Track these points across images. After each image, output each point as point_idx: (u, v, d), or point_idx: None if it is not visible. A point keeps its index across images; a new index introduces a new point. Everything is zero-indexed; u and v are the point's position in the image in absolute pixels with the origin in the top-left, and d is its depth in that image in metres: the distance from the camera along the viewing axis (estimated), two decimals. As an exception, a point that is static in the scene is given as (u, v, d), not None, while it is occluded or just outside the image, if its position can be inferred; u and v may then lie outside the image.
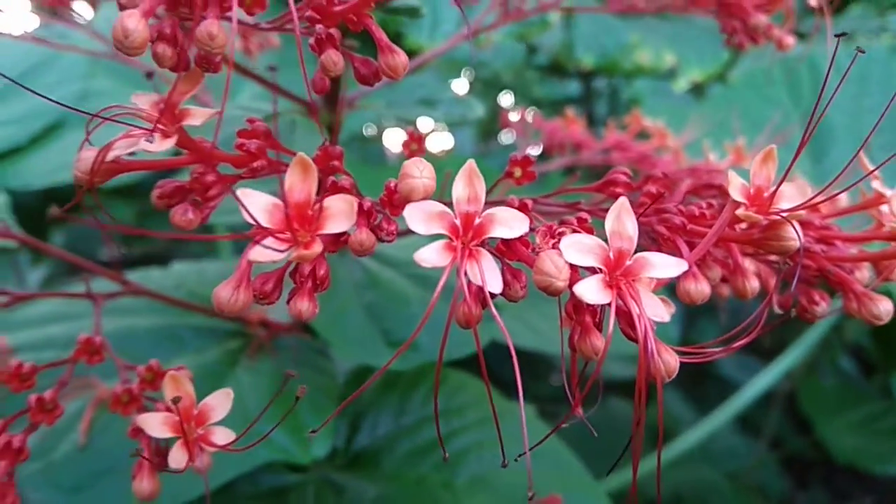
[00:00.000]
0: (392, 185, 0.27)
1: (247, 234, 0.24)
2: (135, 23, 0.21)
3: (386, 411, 0.64)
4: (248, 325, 0.57)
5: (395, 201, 0.26)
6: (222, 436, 0.27)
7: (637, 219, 0.27)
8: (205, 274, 0.62)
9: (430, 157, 0.30)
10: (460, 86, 1.61)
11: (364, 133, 1.27)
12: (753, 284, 0.30)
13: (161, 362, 0.38)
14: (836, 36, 0.27)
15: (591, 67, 1.16)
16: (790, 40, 0.51)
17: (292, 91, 0.48)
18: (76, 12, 0.69)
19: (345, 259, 0.55)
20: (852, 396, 1.29)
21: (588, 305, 0.24)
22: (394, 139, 1.37)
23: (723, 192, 0.41)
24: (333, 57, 0.26)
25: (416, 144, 0.36)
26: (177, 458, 0.27)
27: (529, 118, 0.76)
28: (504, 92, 1.77)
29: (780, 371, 0.93)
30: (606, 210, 0.33)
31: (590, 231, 0.26)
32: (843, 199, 0.43)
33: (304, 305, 0.24)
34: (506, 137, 1.81)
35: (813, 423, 1.17)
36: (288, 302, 0.26)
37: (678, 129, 0.89)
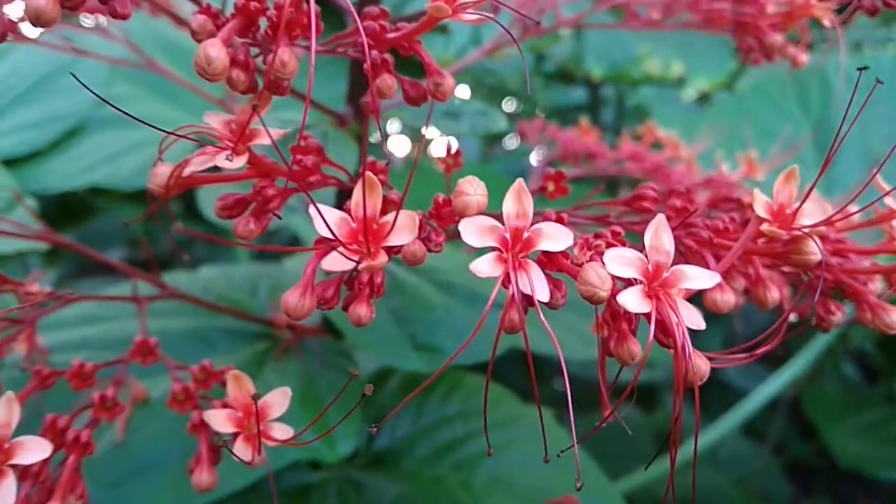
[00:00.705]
0: (440, 199, 0.29)
1: (311, 248, 0.26)
2: (216, 51, 0.24)
3: (405, 413, 0.67)
4: (274, 327, 0.60)
5: (443, 214, 0.29)
6: (281, 431, 0.30)
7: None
8: (232, 278, 0.64)
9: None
10: (463, 92, 1.63)
11: (370, 140, 1.30)
12: (774, 295, 0.32)
13: (193, 363, 0.40)
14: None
15: (601, 77, 1.18)
16: (804, 58, 0.53)
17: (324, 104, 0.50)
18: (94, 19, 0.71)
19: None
20: (856, 403, 1.31)
21: (625, 314, 0.27)
22: (398, 145, 1.40)
23: (740, 205, 0.44)
24: (388, 81, 0.28)
25: (451, 159, 0.38)
26: (241, 451, 0.29)
27: (543, 127, 0.78)
28: (507, 99, 1.79)
29: (788, 378, 0.95)
30: (635, 223, 0.35)
31: (623, 244, 0.29)
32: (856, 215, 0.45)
33: (362, 311, 0.26)
34: (510, 143, 1.83)
35: (818, 428, 1.19)
36: (345, 308, 0.28)
37: (685, 137, 0.92)
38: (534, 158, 1.25)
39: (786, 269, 0.33)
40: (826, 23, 0.51)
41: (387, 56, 0.29)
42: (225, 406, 0.32)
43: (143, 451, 0.51)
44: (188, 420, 0.54)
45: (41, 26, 0.23)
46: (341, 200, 0.34)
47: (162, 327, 0.58)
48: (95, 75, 1.04)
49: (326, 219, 0.24)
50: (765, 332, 0.28)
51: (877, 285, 0.36)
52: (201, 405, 0.33)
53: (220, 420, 0.30)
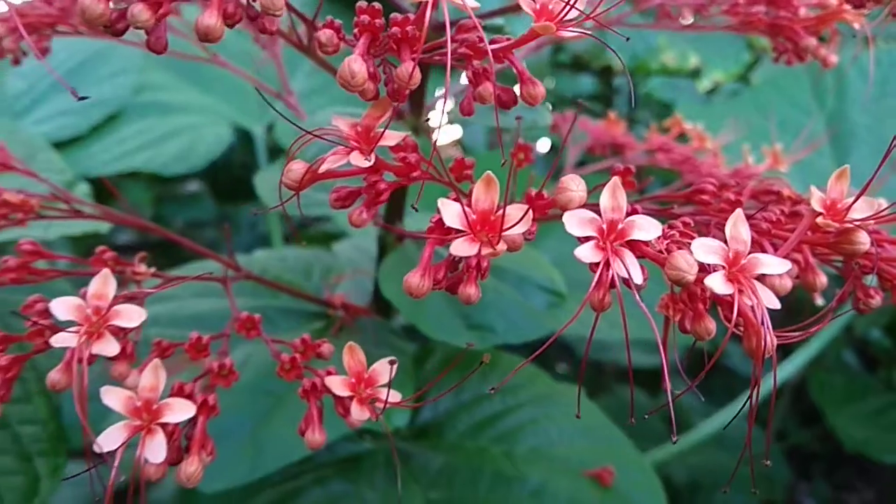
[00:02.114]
0: (532, 192, 0.33)
1: (423, 235, 0.30)
2: (359, 66, 0.28)
3: (446, 388, 0.71)
4: (330, 307, 0.64)
5: (536, 206, 0.32)
6: (391, 396, 0.34)
7: (722, 224, 0.33)
8: (286, 261, 0.68)
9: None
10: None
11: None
12: (822, 280, 0.36)
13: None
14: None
15: (622, 69, 1.22)
16: (834, 59, 0.57)
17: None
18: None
19: (422, 248, 0.61)
20: (860, 389, 1.35)
21: (700, 295, 0.31)
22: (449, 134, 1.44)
23: (780, 196, 0.48)
24: (489, 88, 0.32)
25: (522, 153, 0.42)
26: (356, 413, 0.33)
27: (574, 119, 0.82)
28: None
29: (799, 364, 1.00)
30: (694, 213, 0.39)
31: (693, 234, 0.33)
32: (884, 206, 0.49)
33: (472, 290, 0.30)
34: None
35: (824, 414, 1.23)
36: (450, 288, 0.32)
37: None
38: (542, 146, 1.28)
39: (833, 257, 0.37)
40: (856, 26, 0.55)
41: (488, 66, 0.33)
42: (329, 374, 0.36)
43: (218, 421, 0.55)
44: (260, 392, 0.58)
45: (209, 42, 0.26)
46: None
47: (223, 307, 0.62)
48: (130, 62, 1.07)
49: (451, 211, 0.28)
50: (819, 315, 0.32)
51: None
52: (305, 374, 0.37)
53: (337, 385, 0.34)
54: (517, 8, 0.31)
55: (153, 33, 0.27)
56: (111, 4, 0.27)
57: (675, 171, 0.74)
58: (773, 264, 0.28)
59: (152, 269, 0.42)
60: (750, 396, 0.29)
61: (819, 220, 0.32)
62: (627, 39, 0.33)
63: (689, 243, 0.31)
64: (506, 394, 0.70)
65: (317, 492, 0.64)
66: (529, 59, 1.52)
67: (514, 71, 0.34)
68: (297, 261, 0.68)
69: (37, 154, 0.78)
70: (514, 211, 0.28)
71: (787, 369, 1.01)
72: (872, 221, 0.33)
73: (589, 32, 0.30)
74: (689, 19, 0.64)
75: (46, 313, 0.35)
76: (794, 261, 0.37)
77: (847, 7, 0.52)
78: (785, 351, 1.05)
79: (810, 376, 1.32)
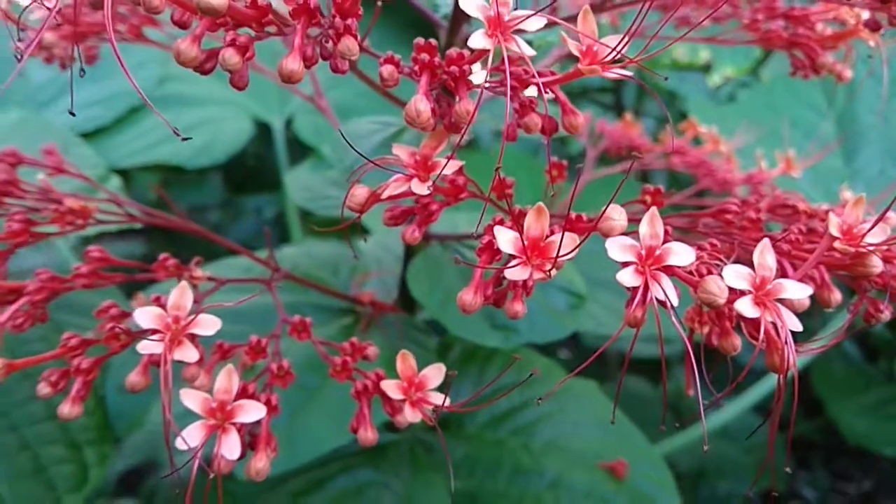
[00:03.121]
0: (573, 215, 0.36)
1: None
2: (424, 105, 0.31)
3: (467, 382, 0.74)
4: (357, 303, 0.67)
5: (577, 229, 0.36)
6: (437, 399, 0.37)
7: (746, 242, 0.36)
8: (315, 258, 0.71)
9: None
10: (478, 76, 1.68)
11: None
12: (836, 297, 0.40)
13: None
14: None
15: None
16: (849, 74, 0.60)
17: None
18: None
19: (448, 251, 0.64)
20: (862, 381, 1.38)
21: (728, 314, 0.34)
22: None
23: (795, 210, 0.51)
24: (536, 119, 0.35)
25: (556, 171, 0.45)
26: (408, 415, 0.37)
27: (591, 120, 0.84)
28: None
29: (807, 360, 1.03)
30: (719, 231, 0.43)
31: (719, 254, 0.36)
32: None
33: (518, 307, 0.34)
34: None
35: (827, 406, 1.27)
36: (496, 304, 0.35)
37: (703, 118, 0.98)
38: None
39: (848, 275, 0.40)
40: (871, 44, 0.58)
41: (533, 97, 0.36)
42: (378, 377, 0.39)
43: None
44: (294, 387, 0.61)
45: (290, 83, 0.29)
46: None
47: (262, 301, 0.66)
48: (153, 54, 1.09)
49: (505, 237, 0.31)
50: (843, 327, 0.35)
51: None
52: (355, 377, 0.41)
53: (392, 388, 0.37)
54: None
55: (237, 73, 0.30)
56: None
57: (690, 173, 0.77)
58: (796, 290, 0.31)
59: (207, 274, 0.45)
60: (774, 413, 0.32)
61: (836, 244, 0.36)
62: (666, 79, 0.36)
63: (717, 264, 0.34)
64: (523, 387, 0.74)
65: (343, 479, 0.67)
66: (538, 54, 1.54)
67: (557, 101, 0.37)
68: (324, 258, 0.72)
69: (70, 148, 0.81)
70: (566, 240, 0.31)
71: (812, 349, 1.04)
72: (885, 247, 0.36)
73: (630, 75, 0.33)
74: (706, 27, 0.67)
75: (119, 318, 0.39)
76: (811, 278, 0.40)
77: (862, 27, 0.55)
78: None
79: (813, 367, 1.35)
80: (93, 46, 0.58)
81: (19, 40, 0.59)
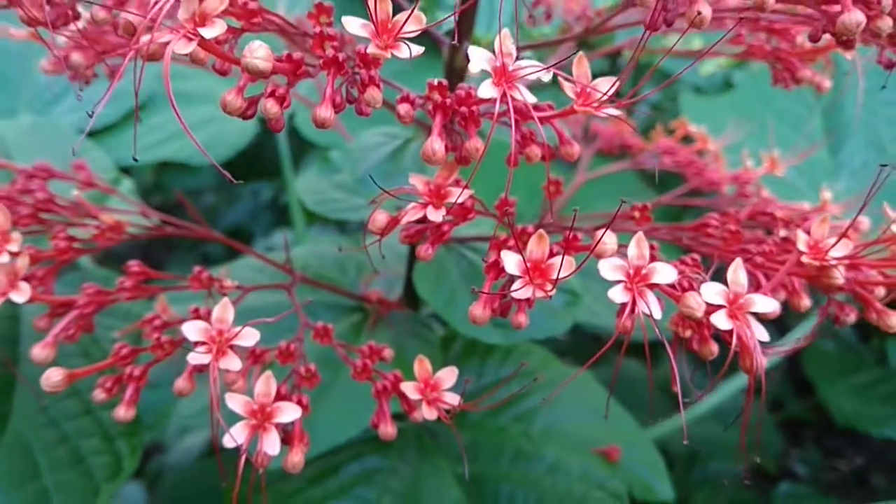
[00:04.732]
0: (570, 235, 0.41)
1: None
2: (439, 145, 0.36)
3: (468, 373, 0.80)
4: (365, 302, 0.72)
5: (574, 249, 0.41)
6: (452, 399, 0.43)
7: (726, 253, 0.42)
8: (324, 258, 0.76)
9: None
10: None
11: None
12: (806, 303, 0.45)
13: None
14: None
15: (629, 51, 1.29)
16: (828, 84, 0.65)
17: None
18: None
19: (451, 252, 0.69)
20: (853, 362, 1.43)
21: (706, 323, 0.39)
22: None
23: (773, 217, 0.56)
24: (536, 150, 0.40)
25: (553, 187, 0.50)
26: (426, 413, 0.42)
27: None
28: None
29: (792, 345, 1.09)
30: (698, 240, 0.48)
31: (699, 267, 0.41)
32: (866, 223, 0.58)
33: (522, 318, 0.39)
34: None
35: (816, 386, 1.32)
36: (502, 314, 0.41)
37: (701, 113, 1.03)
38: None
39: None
40: (848, 56, 0.63)
41: (535, 130, 0.41)
42: (396, 378, 0.45)
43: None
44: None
45: (322, 129, 0.34)
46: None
47: (275, 300, 0.71)
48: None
49: (511, 261, 0.36)
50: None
51: (880, 291, 0.49)
52: (374, 377, 0.46)
53: (410, 389, 0.43)
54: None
55: (276, 119, 0.35)
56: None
57: (680, 172, 0.83)
58: (765, 304, 0.36)
59: (235, 283, 0.50)
60: (745, 410, 0.38)
61: (804, 258, 0.41)
62: (651, 110, 0.41)
63: (697, 278, 0.39)
64: (522, 377, 0.80)
65: (354, 466, 0.73)
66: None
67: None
68: (332, 258, 0.77)
69: (83, 152, 0.85)
70: (566, 263, 0.36)
71: (784, 348, 1.10)
72: (847, 260, 0.41)
73: (622, 116, 0.38)
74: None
75: (162, 328, 0.44)
76: (783, 286, 0.45)
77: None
78: (781, 330, 1.14)
79: (805, 347, 1.40)
80: (116, 65, 0.63)
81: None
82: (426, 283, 0.66)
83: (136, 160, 1.03)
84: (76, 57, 0.61)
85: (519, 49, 0.37)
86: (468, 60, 0.51)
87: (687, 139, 0.88)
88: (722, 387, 1.10)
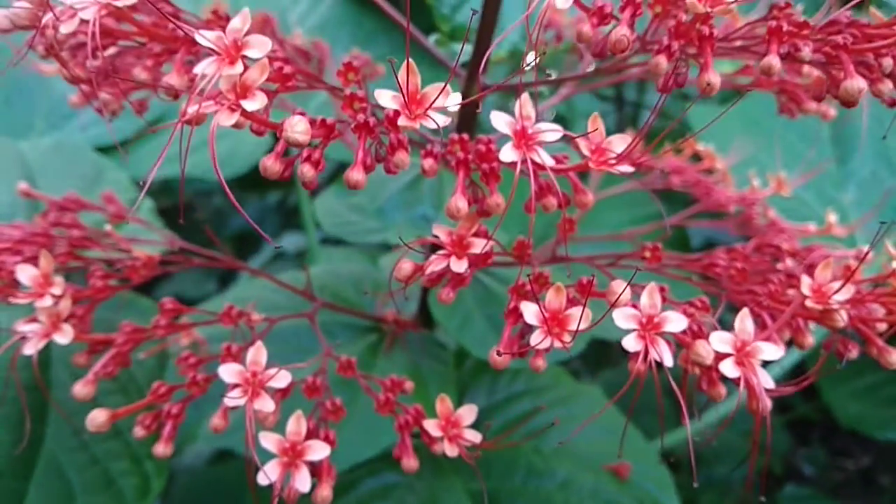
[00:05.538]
0: (584, 280, 0.44)
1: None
2: (463, 203, 0.38)
3: (480, 391, 0.83)
4: (382, 322, 0.75)
5: (589, 294, 0.43)
6: (472, 436, 0.45)
7: (732, 294, 0.44)
8: (340, 277, 0.79)
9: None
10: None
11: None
12: (809, 341, 0.47)
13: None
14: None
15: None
16: (833, 112, 0.67)
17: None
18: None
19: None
20: (856, 365, 1.44)
21: (715, 367, 0.42)
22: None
23: (779, 250, 0.58)
24: (552, 200, 0.43)
25: (569, 225, 0.52)
26: (447, 450, 0.45)
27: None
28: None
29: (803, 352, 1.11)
30: (707, 277, 0.50)
31: (707, 309, 0.44)
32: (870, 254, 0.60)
33: (540, 362, 0.42)
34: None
35: (820, 389, 1.34)
36: (521, 355, 0.43)
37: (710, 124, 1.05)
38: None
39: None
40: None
41: (551, 182, 0.43)
42: (417, 412, 0.48)
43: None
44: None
45: (355, 190, 0.37)
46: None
47: (294, 322, 0.73)
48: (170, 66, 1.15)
49: (531, 312, 0.39)
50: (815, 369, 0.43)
51: (881, 325, 0.51)
52: (397, 411, 0.49)
53: (432, 427, 0.45)
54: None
55: (311, 182, 0.38)
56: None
57: (688, 191, 0.85)
58: (770, 351, 0.39)
59: (263, 315, 0.53)
60: (755, 435, 0.40)
61: (808, 303, 0.44)
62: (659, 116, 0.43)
63: (706, 322, 0.42)
64: (533, 395, 0.82)
65: (371, 482, 0.76)
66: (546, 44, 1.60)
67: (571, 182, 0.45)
68: (349, 276, 0.79)
69: (104, 173, 0.88)
70: (574, 312, 0.39)
71: (790, 359, 1.12)
72: (849, 305, 0.44)
73: (631, 172, 0.40)
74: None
75: (197, 365, 0.47)
76: (788, 324, 0.48)
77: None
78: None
79: (810, 350, 1.42)
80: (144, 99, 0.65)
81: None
82: (442, 306, 0.69)
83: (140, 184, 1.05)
84: (106, 95, 0.63)
85: (535, 84, 0.40)
86: (482, 89, 0.54)
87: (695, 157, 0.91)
88: (738, 393, 1.12)
